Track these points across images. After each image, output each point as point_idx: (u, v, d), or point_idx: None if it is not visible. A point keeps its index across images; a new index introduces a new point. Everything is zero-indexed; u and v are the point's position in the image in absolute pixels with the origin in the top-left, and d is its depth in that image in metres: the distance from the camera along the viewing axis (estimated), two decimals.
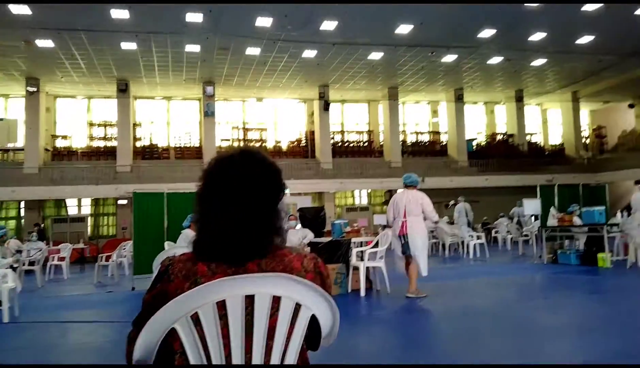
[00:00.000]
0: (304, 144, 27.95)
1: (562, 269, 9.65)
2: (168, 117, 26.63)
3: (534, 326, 4.92)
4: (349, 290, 7.42)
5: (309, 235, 8.59)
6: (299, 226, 9.59)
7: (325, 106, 25.53)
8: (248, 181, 1.27)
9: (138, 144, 25.54)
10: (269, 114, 28.06)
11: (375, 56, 21.07)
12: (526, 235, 14.76)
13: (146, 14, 16.30)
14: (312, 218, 9.90)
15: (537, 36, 19.59)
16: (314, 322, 1.16)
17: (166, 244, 7.85)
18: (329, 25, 17.76)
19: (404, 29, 18.36)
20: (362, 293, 7.15)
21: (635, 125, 29.44)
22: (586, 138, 31.86)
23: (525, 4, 16.46)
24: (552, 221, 11.54)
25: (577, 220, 10.69)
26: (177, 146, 26.37)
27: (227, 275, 1.14)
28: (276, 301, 1.12)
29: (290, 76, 23.34)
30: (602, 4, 16.62)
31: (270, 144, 27.58)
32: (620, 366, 3.27)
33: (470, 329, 4.95)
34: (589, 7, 16.92)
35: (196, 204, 1.29)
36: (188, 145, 26.47)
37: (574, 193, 12.41)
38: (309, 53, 20.39)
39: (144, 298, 1.25)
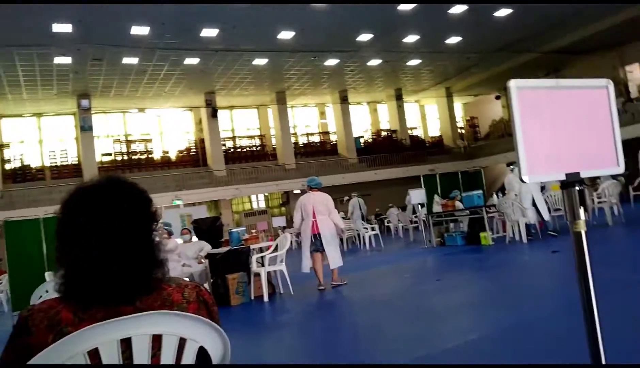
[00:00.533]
0: (194, 153, 27.23)
1: (450, 250, 10.35)
2: (40, 135, 24.49)
3: (431, 308, 5.21)
4: (252, 298, 7.33)
5: (206, 247, 8.34)
6: (194, 238, 9.27)
7: (213, 113, 25.06)
8: (118, 211, 1.13)
9: (7, 166, 23.20)
10: (153, 125, 26.91)
11: (260, 61, 21.08)
12: (415, 222, 15.62)
13: (6, 25, 14.79)
14: (208, 228, 9.60)
15: (411, 38, 20.84)
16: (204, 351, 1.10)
17: (47, 274, 7.18)
18: (209, 32, 17.43)
19: (285, 35, 18.56)
20: (266, 298, 7.10)
21: (503, 114, 32.48)
22: (461, 129, 34.53)
23: (398, 8, 17.41)
24: (437, 208, 12.35)
25: (459, 204, 11.52)
26: (53, 165, 24.36)
27: (97, 320, 1.02)
28: (157, 339, 1.03)
29: (173, 84, 22.57)
30: (466, 6, 18.07)
31: (157, 155, 26.48)
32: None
33: (374, 320, 5.11)
34: (454, 10, 18.31)
35: (57, 239, 1.13)
36: (65, 163, 24.54)
37: (454, 180, 13.36)
38: (191, 60, 19.86)
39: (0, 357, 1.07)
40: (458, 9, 18.29)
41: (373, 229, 14.81)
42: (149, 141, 26.54)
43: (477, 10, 18.64)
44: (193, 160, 26.93)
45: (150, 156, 26.14)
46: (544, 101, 1.44)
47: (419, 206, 13.02)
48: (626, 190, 14.19)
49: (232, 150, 27.96)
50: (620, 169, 1.57)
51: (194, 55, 19.35)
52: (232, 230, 8.63)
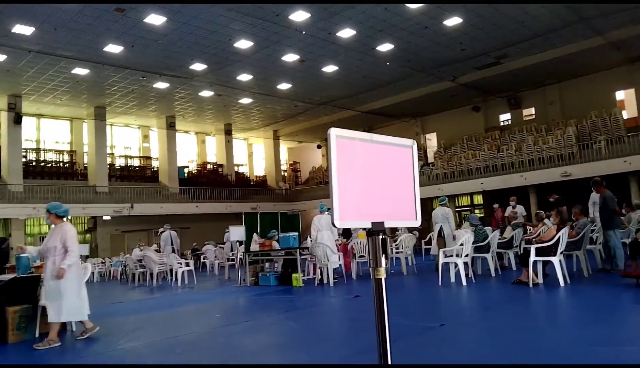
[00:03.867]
0: None
1: (262, 290, 10.41)
2: None
3: (235, 350, 5.10)
4: (37, 335, 6.37)
5: None
6: None
7: (17, 119, 22.02)
8: None
9: None
10: None
11: (80, 71, 19.31)
12: (232, 260, 15.50)
13: None
14: None
15: (244, 77, 21.22)
16: None
17: None
18: (23, 29, 15.46)
19: (113, 48, 17.37)
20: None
21: (322, 162, 34.68)
22: (284, 171, 35.87)
23: (234, 46, 17.65)
24: (254, 246, 12.43)
25: (276, 245, 11.77)
26: None
27: None
28: None
29: None
30: (297, 56, 19.12)
31: None
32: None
33: (174, 362, 4.80)
34: (287, 58, 19.22)
35: None
36: None
37: (274, 220, 13.67)
38: None
39: None
40: (290, 58, 19.25)
41: (187, 264, 14.25)
42: None
43: (308, 62, 19.87)
44: None
45: None
46: (358, 152, 1.52)
47: (238, 243, 12.96)
48: (419, 243, 16.12)
49: (34, 163, 24.76)
50: (418, 222, 1.72)
51: (1, 51, 16.93)
52: (21, 255, 7.48)
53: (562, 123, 23.05)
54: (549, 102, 24.68)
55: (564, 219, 8.31)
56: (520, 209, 14.01)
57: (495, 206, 16.01)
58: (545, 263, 8.02)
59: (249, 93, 23.55)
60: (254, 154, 35.04)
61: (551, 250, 7.73)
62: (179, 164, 28.65)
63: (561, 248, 7.74)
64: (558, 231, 7.85)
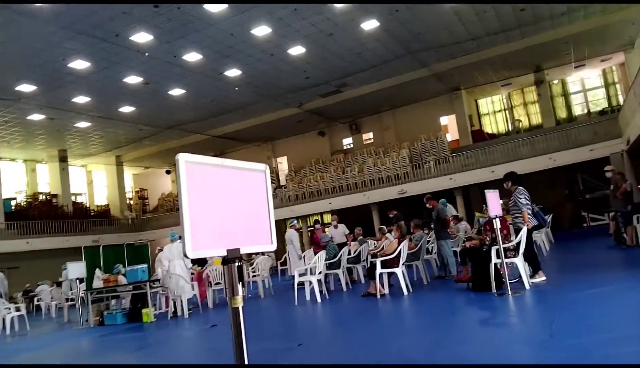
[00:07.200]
0: None
1: (108, 330, 9.57)
2: None
3: None
4: None
5: None
6: None
7: None
8: None
9: None
10: None
11: None
12: (72, 300, 14.01)
13: None
14: None
15: (81, 99, 19.57)
16: None
17: None
18: None
19: None
20: None
21: (172, 188, 33.32)
22: (130, 199, 33.67)
23: (69, 66, 16.24)
24: (97, 283, 11.41)
25: (122, 279, 10.94)
26: None
27: None
28: None
29: None
30: (141, 78, 18.26)
31: None
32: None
33: None
34: (129, 80, 18.21)
35: None
36: None
37: (119, 253, 12.74)
38: None
39: None
40: (133, 80, 18.29)
41: (18, 309, 12.52)
42: None
43: (153, 85, 19.08)
44: None
45: None
46: (210, 177, 1.50)
47: (78, 281, 11.76)
48: (275, 265, 16.29)
49: None
50: (274, 246, 1.75)
51: None
52: None
53: (397, 146, 25.31)
54: (384, 128, 26.93)
55: (403, 233, 9.07)
56: (342, 228, 13.19)
57: (317, 226, 14.06)
58: (390, 274, 8.65)
59: (86, 116, 21.76)
60: (94, 182, 32.31)
61: (394, 262, 8.37)
62: (5, 196, 25.25)
63: (403, 259, 8.42)
64: (399, 244, 8.54)
